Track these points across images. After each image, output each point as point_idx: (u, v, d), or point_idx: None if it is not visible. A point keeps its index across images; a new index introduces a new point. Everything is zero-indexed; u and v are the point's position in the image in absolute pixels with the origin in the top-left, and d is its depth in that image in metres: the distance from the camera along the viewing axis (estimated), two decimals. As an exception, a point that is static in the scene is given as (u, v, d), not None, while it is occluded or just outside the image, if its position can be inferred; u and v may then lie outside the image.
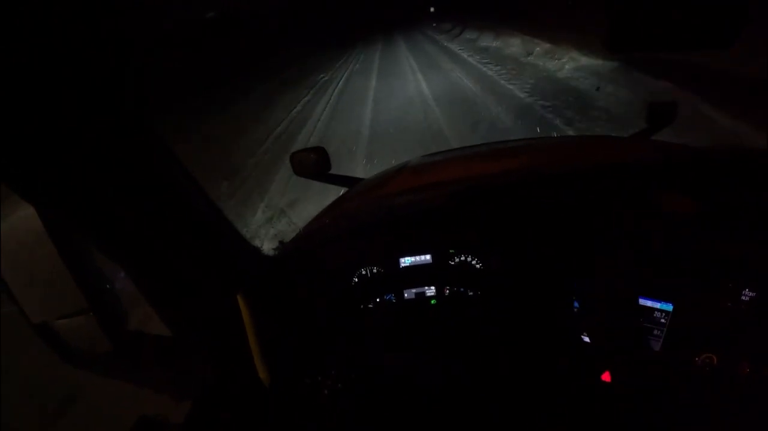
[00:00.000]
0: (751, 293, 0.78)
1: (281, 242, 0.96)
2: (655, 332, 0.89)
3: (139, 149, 0.52)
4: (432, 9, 30.14)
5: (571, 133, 4.55)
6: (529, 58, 9.31)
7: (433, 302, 1.09)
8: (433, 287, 1.08)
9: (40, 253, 0.58)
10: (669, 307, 0.86)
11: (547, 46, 9.30)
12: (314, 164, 1.37)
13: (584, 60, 7.46)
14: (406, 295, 1.08)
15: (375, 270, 1.05)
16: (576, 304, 0.96)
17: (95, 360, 0.65)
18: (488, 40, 13.01)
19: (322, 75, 13.04)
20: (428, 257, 1.05)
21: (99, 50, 0.43)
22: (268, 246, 0.92)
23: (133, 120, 0.50)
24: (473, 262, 1.04)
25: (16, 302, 0.59)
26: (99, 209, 0.52)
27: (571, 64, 7.59)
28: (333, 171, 1.44)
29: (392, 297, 1.07)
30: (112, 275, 0.70)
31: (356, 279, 1.04)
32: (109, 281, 0.69)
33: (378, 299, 1.06)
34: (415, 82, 9.16)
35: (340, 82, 11.33)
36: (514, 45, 10.94)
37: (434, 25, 23.94)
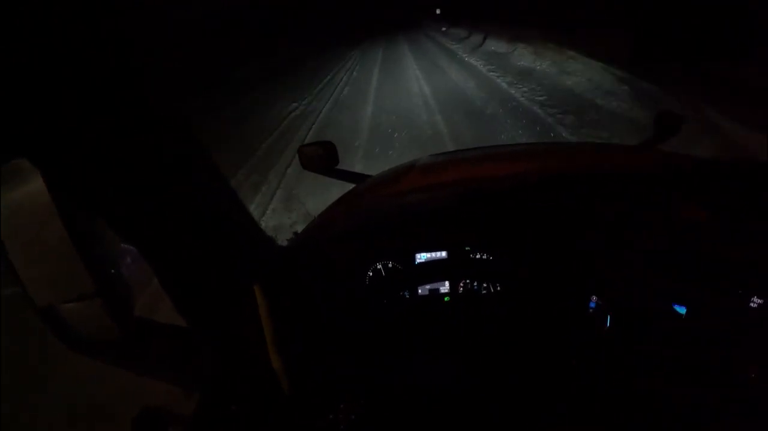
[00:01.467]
0: (759, 300, 0.81)
1: (295, 233, 0.95)
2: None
3: (157, 134, 0.52)
4: (438, 11, 27.46)
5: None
6: (615, 103, 5.35)
7: (446, 299, 1.08)
8: (447, 284, 1.07)
9: (47, 230, 0.56)
10: (683, 310, 0.89)
11: (645, 85, 5.29)
12: (322, 159, 1.36)
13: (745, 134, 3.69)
14: (420, 291, 1.07)
15: (390, 266, 1.04)
16: (592, 304, 0.96)
17: (101, 348, 0.62)
18: (527, 58, 9.19)
19: (294, 105, 8.67)
20: (444, 253, 1.04)
21: (99, 50, 0.43)
22: (282, 237, 0.90)
23: (150, 106, 0.50)
24: (488, 259, 1.03)
25: (20, 283, 0.56)
26: (113, 196, 0.51)
27: (713, 139, 3.78)
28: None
29: (406, 293, 1.06)
30: (121, 260, 0.67)
31: (371, 274, 1.03)
32: (117, 266, 0.66)
33: (392, 295, 1.05)
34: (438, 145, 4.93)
35: (314, 127, 6.89)
36: (576, 72, 7.03)
37: (444, 29, 20.83)
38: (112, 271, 0.64)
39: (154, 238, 0.56)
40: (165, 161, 0.53)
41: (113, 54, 0.45)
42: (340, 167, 1.39)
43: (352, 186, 1.34)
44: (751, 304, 0.83)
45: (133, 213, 0.53)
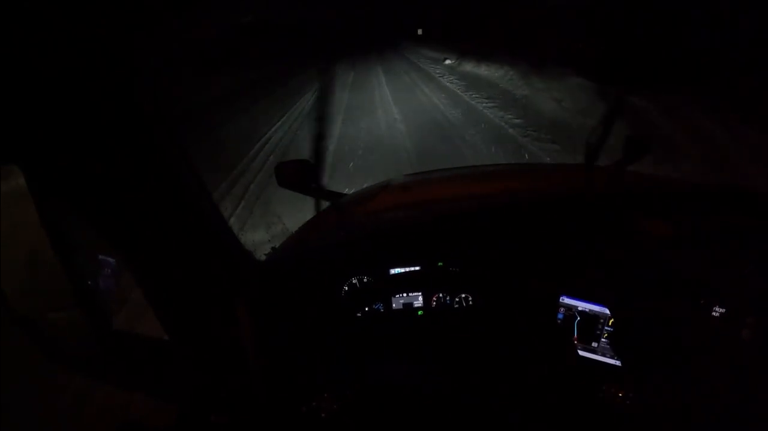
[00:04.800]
0: (720, 309, 0.89)
1: (273, 248, 0.97)
2: None
3: (145, 150, 0.54)
4: (420, 32, 20.85)
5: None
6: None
7: (420, 313, 1.11)
8: (420, 297, 1.10)
9: (30, 239, 0.56)
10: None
11: None
12: (299, 176, 1.36)
13: None
14: (394, 305, 1.10)
15: (365, 280, 1.06)
16: (560, 315, 1.03)
17: (81, 358, 0.62)
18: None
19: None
20: (417, 267, 1.08)
21: (101, 52, 0.45)
22: (260, 252, 0.92)
23: (141, 121, 0.52)
24: (460, 273, 1.09)
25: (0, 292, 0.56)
26: (100, 207, 0.53)
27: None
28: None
29: (381, 307, 1.09)
30: (103, 273, 0.68)
31: (346, 288, 1.05)
32: (99, 278, 0.67)
33: (367, 308, 1.08)
34: None
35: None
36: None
37: (448, 62, 12.57)
38: (96, 283, 0.65)
39: (142, 245, 0.57)
40: (159, 170, 0.55)
41: (113, 67, 0.47)
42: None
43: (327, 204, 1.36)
44: (713, 313, 0.89)
45: (126, 220, 0.54)
